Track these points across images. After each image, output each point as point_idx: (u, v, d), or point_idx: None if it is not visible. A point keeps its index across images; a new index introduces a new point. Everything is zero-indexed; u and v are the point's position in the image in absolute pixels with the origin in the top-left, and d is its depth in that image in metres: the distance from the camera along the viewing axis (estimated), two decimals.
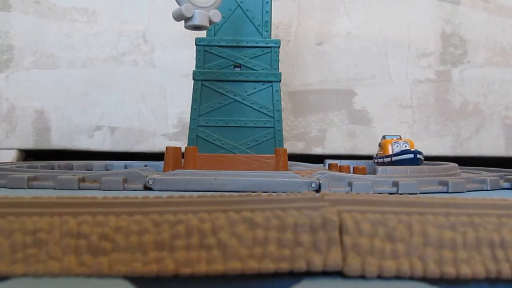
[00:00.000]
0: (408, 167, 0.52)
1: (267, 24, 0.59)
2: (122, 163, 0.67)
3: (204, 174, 0.44)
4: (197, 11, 0.47)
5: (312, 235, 0.21)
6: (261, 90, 0.58)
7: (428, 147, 0.83)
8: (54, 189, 0.43)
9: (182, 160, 0.53)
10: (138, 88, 0.83)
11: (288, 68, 0.83)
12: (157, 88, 0.83)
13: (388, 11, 0.84)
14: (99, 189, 0.43)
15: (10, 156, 0.81)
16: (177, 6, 0.47)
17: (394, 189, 0.43)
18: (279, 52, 0.59)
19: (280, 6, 0.83)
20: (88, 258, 0.21)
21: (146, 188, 0.44)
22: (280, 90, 0.59)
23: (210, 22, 0.49)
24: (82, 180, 0.44)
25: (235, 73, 0.58)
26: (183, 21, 0.49)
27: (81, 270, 0.20)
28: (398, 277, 0.21)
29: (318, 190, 0.43)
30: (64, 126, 0.82)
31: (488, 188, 0.47)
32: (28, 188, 0.43)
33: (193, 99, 0.58)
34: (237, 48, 0.59)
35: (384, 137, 0.62)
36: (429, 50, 0.84)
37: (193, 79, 0.58)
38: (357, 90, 0.84)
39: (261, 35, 0.59)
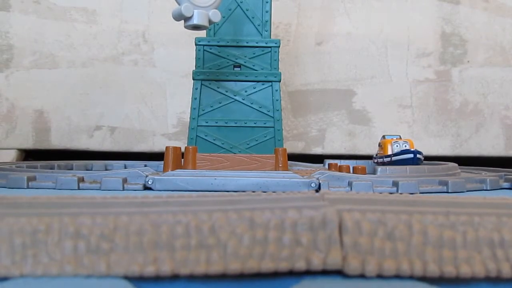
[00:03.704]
0: (408, 167, 0.51)
1: (267, 24, 0.59)
2: (122, 163, 0.67)
3: (204, 174, 0.44)
4: (196, 10, 0.47)
5: (312, 235, 0.21)
6: (261, 89, 0.58)
7: (428, 147, 0.83)
8: (54, 189, 0.43)
9: (182, 160, 0.53)
10: (138, 88, 0.83)
11: (288, 68, 0.83)
12: (157, 88, 0.83)
13: (388, 11, 0.84)
14: (98, 189, 0.43)
15: (9, 156, 0.81)
16: (177, 6, 0.47)
17: (394, 189, 0.43)
18: (279, 52, 0.59)
19: (280, 6, 0.83)
20: (87, 259, 0.21)
21: (146, 188, 0.44)
22: (280, 90, 0.59)
23: (210, 22, 0.49)
24: (82, 180, 0.44)
25: (235, 73, 0.58)
26: (182, 21, 0.49)
27: (81, 270, 0.20)
28: (398, 277, 0.21)
29: (318, 189, 0.43)
30: (64, 126, 0.82)
31: (488, 188, 0.47)
32: (28, 188, 0.43)
33: (193, 99, 0.58)
34: (237, 48, 0.59)
35: (384, 137, 0.62)
36: (429, 50, 0.84)
37: (193, 79, 0.58)
38: (357, 90, 0.84)
39: (261, 35, 0.59)
